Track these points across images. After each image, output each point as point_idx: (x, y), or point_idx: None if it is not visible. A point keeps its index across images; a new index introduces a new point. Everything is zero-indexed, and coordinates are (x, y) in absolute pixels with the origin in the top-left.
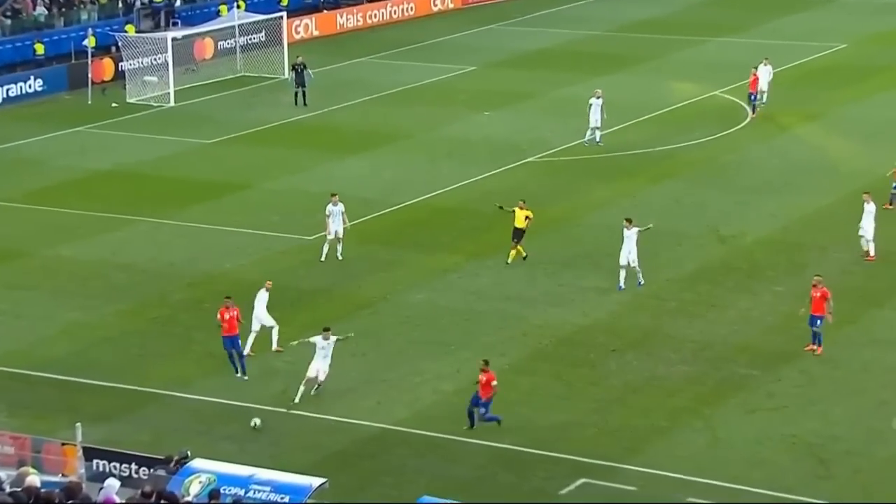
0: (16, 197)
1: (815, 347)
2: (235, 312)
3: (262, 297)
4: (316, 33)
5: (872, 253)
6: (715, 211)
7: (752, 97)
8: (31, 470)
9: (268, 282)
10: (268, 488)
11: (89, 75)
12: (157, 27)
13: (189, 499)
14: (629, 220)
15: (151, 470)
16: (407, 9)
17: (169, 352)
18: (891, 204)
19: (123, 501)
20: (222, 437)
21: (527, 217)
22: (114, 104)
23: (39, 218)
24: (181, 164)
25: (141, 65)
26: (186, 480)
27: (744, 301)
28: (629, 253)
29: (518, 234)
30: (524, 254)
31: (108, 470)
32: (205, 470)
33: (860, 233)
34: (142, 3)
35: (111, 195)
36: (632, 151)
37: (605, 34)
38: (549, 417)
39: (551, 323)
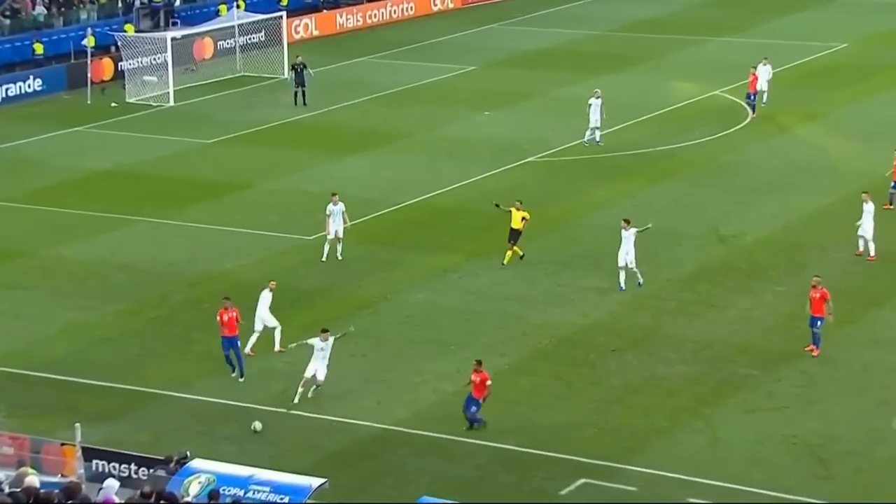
0: (15, 197)
1: (813, 348)
2: (235, 313)
3: (265, 298)
4: (316, 33)
5: (873, 253)
6: (715, 211)
7: (752, 97)
8: (31, 470)
9: (271, 282)
10: (267, 489)
11: (89, 75)
12: (156, 27)
13: (188, 499)
14: (627, 221)
15: (151, 470)
16: (407, 8)
17: (168, 352)
18: (891, 204)
19: (123, 502)
20: (222, 437)
21: (523, 218)
22: (113, 104)
23: (38, 218)
24: (181, 164)
25: (140, 64)
26: (186, 481)
27: (744, 301)
28: (627, 254)
29: (514, 235)
30: (521, 253)
31: (107, 470)
32: (204, 470)
33: (859, 232)
34: (141, 3)
35: (110, 195)
36: (632, 151)
37: (605, 34)
38: (549, 417)
39: (551, 323)
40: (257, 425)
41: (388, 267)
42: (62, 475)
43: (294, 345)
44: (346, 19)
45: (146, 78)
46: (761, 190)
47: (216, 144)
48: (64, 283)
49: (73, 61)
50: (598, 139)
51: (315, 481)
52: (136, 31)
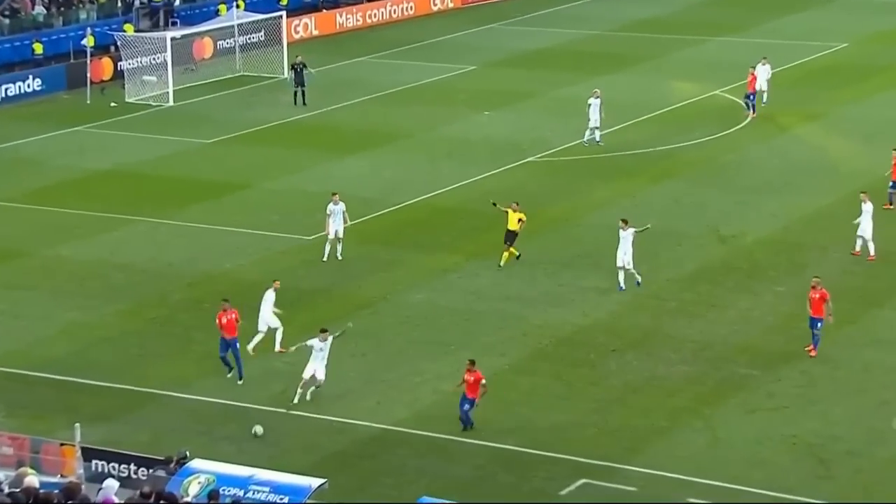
0: (14, 197)
1: (812, 348)
2: (233, 315)
3: (268, 298)
4: (315, 33)
5: (873, 252)
6: (715, 211)
7: (751, 97)
8: (30, 470)
9: (276, 282)
10: (267, 489)
11: (88, 75)
12: (155, 27)
13: (188, 499)
14: (625, 221)
15: (150, 470)
16: (406, 8)
17: (168, 352)
18: (890, 203)
19: (122, 502)
20: (221, 437)
21: (519, 220)
22: (112, 104)
23: (38, 218)
24: (180, 164)
25: (140, 64)
26: (185, 481)
27: (744, 301)
28: (625, 254)
29: (510, 236)
30: (517, 253)
31: (106, 470)
32: (204, 470)
33: (858, 232)
34: (141, 3)
35: (110, 195)
36: (632, 151)
37: (605, 34)
38: (549, 417)
39: (551, 323)
40: (258, 430)
41: (388, 267)
42: (61, 475)
43: (294, 348)
44: (346, 19)
45: (146, 78)
46: (761, 190)
47: (216, 144)
48: (63, 283)
49: (72, 61)
50: (597, 139)
51: (315, 481)
52: (135, 31)
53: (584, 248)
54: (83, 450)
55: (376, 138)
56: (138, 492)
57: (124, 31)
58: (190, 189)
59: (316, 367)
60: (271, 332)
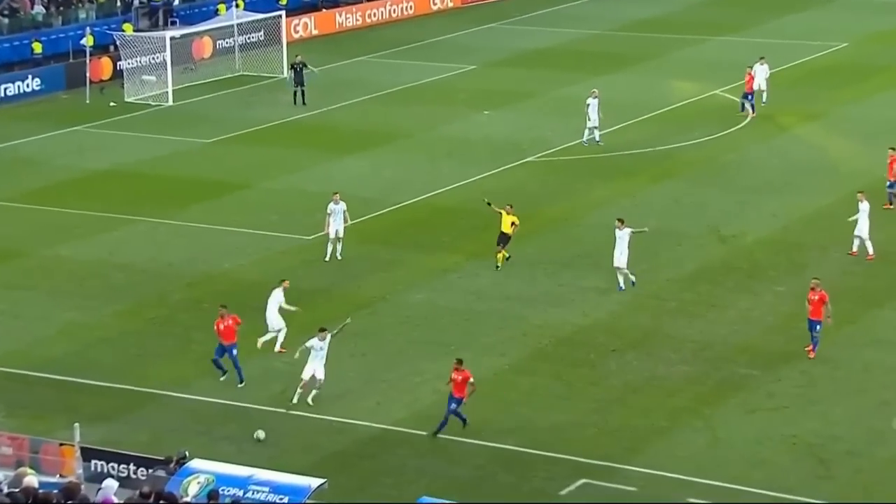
0: (13, 196)
1: (811, 348)
2: (231, 321)
3: (275, 297)
4: (315, 32)
5: (871, 252)
6: (715, 211)
7: (749, 97)
8: (29, 470)
9: (285, 281)
10: (266, 489)
11: (87, 74)
12: (155, 26)
13: (187, 499)
14: (621, 221)
15: (150, 470)
16: (406, 8)
17: (167, 352)
18: (890, 203)
19: (122, 502)
20: (221, 437)
21: (513, 223)
22: (112, 103)
23: (37, 217)
24: (180, 164)
25: (139, 64)
26: (185, 481)
27: (744, 301)
28: (621, 254)
29: (504, 238)
30: (507, 254)
31: (106, 470)
32: (203, 470)
33: (855, 232)
34: (140, 2)
35: (109, 195)
36: (631, 151)
37: (604, 33)
38: (549, 417)
39: (551, 323)
40: (260, 434)
41: (388, 267)
42: (61, 475)
43: (297, 354)
44: (346, 18)
45: (145, 77)
46: (761, 190)
47: (215, 144)
48: (63, 283)
49: (71, 61)
50: (597, 139)
51: (314, 481)
52: (134, 31)
53: (584, 248)
54: (82, 450)
55: (376, 138)
56: (138, 492)
57: (123, 30)
58: (189, 189)
59: (315, 367)
60: (273, 330)
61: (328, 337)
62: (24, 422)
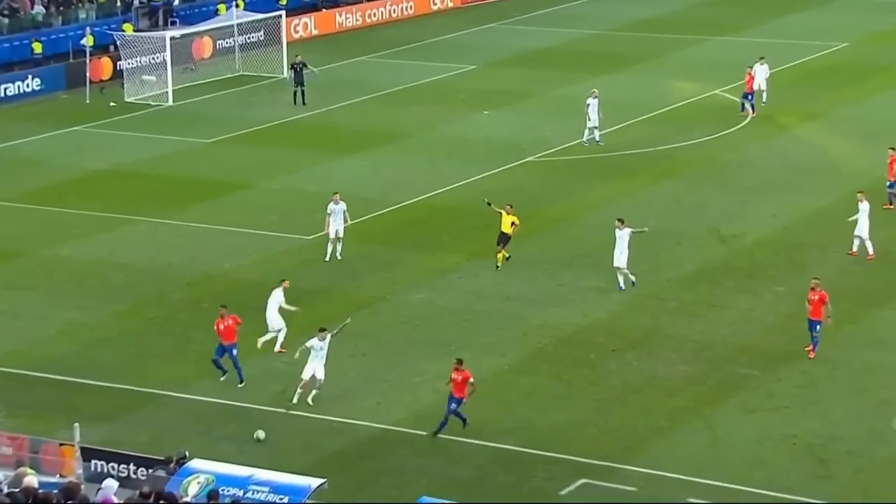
0: (13, 196)
1: (811, 348)
2: (231, 321)
3: (275, 297)
4: (315, 32)
5: (871, 251)
6: (715, 211)
7: (749, 97)
8: (29, 470)
9: (285, 281)
10: (266, 489)
11: (87, 74)
12: (155, 26)
13: (187, 499)
14: (621, 221)
15: (150, 470)
16: (406, 8)
17: (167, 352)
18: (890, 203)
19: (121, 502)
20: (221, 437)
21: (513, 223)
22: (112, 103)
23: (37, 217)
24: (180, 164)
25: (139, 64)
26: (185, 481)
27: (744, 301)
28: (621, 254)
29: (503, 238)
30: (507, 255)
31: (106, 470)
32: (203, 470)
33: (855, 232)
34: (140, 2)
35: (109, 195)
36: (631, 151)
37: (604, 33)
38: (549, 417)
39: (551, 323)
40: (260, 435)
41: (388, 267)
42: (61, 475)
43: (297, 354)
44: (346, 18)
45: (145, 77)
46: (761, 190)
47: (215, 144)
48: (63, 283)
49: (71, 61)
50: (597, 139)
51: (314, 481)
52: (134, 31)
53: (584, 248)
54: (82, 450)
55: (376, 138)
56: (138, 492)
57: (123, 30)
58: (189, 189)
59: (315, 367)
60: (277, 331)
61: (328, 337)
62: (24, 422)
